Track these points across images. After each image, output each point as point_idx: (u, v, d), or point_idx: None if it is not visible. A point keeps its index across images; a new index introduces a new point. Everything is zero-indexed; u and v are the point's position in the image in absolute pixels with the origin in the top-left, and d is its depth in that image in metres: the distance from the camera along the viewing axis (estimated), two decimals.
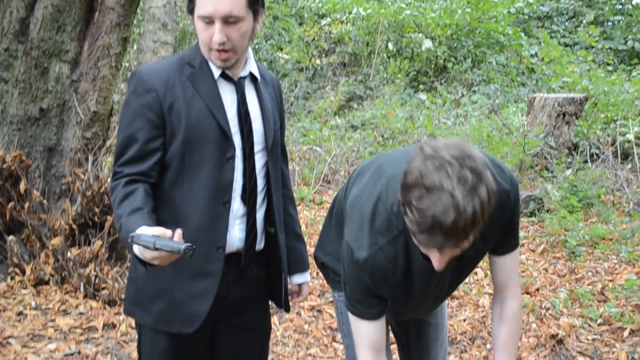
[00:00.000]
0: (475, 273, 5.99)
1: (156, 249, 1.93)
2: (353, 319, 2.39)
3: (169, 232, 2.00)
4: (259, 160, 2.48)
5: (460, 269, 2.33)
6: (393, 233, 2.17)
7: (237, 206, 2.43)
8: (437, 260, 1.96)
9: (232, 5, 2.23)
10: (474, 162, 1.83)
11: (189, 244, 1.92)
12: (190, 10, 2.32)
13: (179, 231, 2.00)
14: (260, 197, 2.50)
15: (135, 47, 12.13)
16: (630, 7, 17.86)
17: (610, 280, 6.01)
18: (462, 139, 1.99)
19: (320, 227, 7.02)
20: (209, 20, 2.24)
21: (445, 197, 1.78)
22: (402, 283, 2.26)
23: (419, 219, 1.82)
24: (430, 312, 2.71)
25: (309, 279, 2.86)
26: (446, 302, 2.82)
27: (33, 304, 4.70)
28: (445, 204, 1.78)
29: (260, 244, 2.55)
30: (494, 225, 2.16)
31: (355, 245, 2.21)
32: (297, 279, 2.81)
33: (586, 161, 9.88)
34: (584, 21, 17.73)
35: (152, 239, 1.94)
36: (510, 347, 2.41)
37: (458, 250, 1.93)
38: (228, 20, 2.24)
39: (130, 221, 2.12)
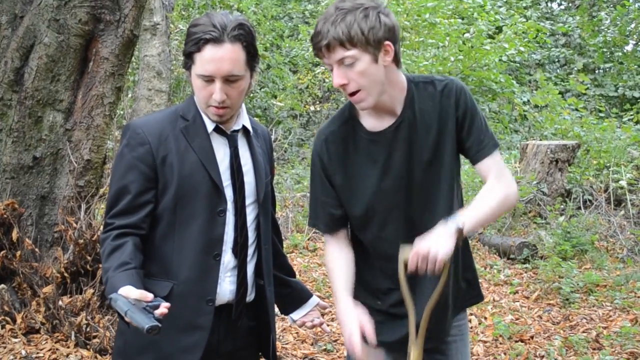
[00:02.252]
0: (470, 320, 5.95)
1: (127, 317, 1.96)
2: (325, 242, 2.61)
3: (149, 296, 2.03)
4: (250, 213, 2.50)
5: (412, 155, 2.45)
6: (344, 116, 2.51)
7: (228, 259, 2.44)
8: (335, 75, 2.29)
9: (233, 65, 2.27)
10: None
11: (155, 324, 1.93)
12: (188, 67, 2.35)
13: (165, 304, 2.03)
14: (251, 250, 2.51)
15: (129, 95, 12.21)
16: (620, 54, 18.09)
17: (605, 328, 5.98)
18: None
19: (314, 275, 7.04)
20: (209, 79, 2.28)
21: (329, 10, 2.29)
22: (357, 165, 2.48)
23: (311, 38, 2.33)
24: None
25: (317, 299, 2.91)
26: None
27: (23, 352, 4.65)
28: (324, 16, 2.28)
29: (250, 296, 2.55)
30: (439, 111, 2.44)
31: (317, 135, 2.55)
32: (315, 299, 2.86)
33: (579, 208, 9.91)
34: (575, 69, 17.93)
35: (126, 306, 1.96)
36: (475, 202, 2.44)
37: (340, 58, 2.26)
38: (228, 79, 2.28)
39: (116, 278, 2.14)
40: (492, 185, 2.43)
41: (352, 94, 2.32)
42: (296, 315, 2.82)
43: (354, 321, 2.33)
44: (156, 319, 1.97)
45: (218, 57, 2.25)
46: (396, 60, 2.37)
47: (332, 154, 2.48)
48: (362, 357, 2.28)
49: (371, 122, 2.46)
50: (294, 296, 2.82)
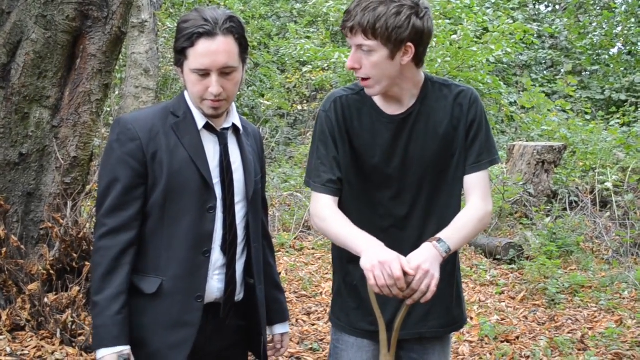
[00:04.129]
0: None
1: None
2: (313, 196, 2.57)
3: None
4: (240, 211, 2.49)
5: (412, 148, 2.51)
6: (359, 87, 2.53)
7: (216, 256, 2.43)
8: (350, 57, 2.38)
9: (228, 57, 2.28)
10: None
11: None
12: (180, 63, 2.34)
13: None
14: (240, 248, 2.50)
15: (116, 92, 12.16)
16: (607, 57, 18.19)
17: (590, 329, 6.01)
18: None
19: (300, 274, 7.04)
20: (205, 73, 2.28)
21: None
22: (364, 134, 2.53)
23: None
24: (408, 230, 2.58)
25: (288, 329, 2.85)
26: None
27: (8, 350, 4.62)
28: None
29: (239, 295, 2.54)
30: (450, 115, 2.50)
31: (328, 97, 2.60)
32: (278, 329, 2.81)
33: (565, 209, 9.95)
34: (562, 71, 18.02)
35: None
36: (460, 220, 2.47)
37: (360, 44, 2.33)
38: (224, 72, 2.29)
39: (109, 328, 2.28)
40: (477, 207, 2.50)
41: (361, 79, 2.41)
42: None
43: (394, 254, 2.27)
44: None
45: (213, 50, 2.25)
46: (416, 61, 2.41)
47: (339, 115, 2.54)
48: (401, 283, 2.22)
49: (382, 104, 2.53)
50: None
